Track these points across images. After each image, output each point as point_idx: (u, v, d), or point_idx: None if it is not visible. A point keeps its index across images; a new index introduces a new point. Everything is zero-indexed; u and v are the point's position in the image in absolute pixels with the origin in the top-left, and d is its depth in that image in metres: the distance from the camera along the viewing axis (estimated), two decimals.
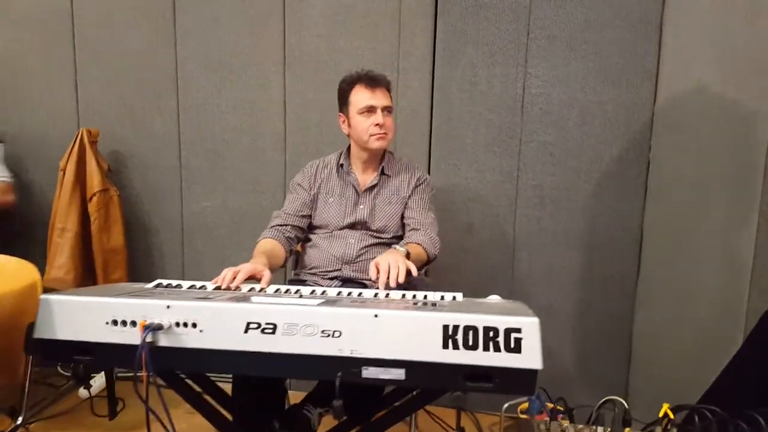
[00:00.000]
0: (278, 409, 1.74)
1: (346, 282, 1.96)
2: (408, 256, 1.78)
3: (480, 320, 1.22)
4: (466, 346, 1.22)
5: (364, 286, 1.89)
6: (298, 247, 2.13)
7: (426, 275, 2.18)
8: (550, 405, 2.33)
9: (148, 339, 1.31)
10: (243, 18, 2.53)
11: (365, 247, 1.99)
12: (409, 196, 2.04)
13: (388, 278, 1.59)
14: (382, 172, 2.05)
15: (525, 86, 2.40)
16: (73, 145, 2.51)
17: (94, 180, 2.50)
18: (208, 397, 1.64)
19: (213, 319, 1.31)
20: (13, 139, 2.74)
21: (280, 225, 2.02)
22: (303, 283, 2.00)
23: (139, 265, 2.72)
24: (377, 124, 1.93)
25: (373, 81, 1.95)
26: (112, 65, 2.66)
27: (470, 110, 2.44)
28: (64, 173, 2.51)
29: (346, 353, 1.26)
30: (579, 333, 2.52)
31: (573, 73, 2.36)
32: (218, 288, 1.61)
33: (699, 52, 2.24)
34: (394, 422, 1.54)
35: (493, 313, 1.23)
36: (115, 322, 1.34)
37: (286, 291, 1.60)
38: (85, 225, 2.52)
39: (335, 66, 2.45)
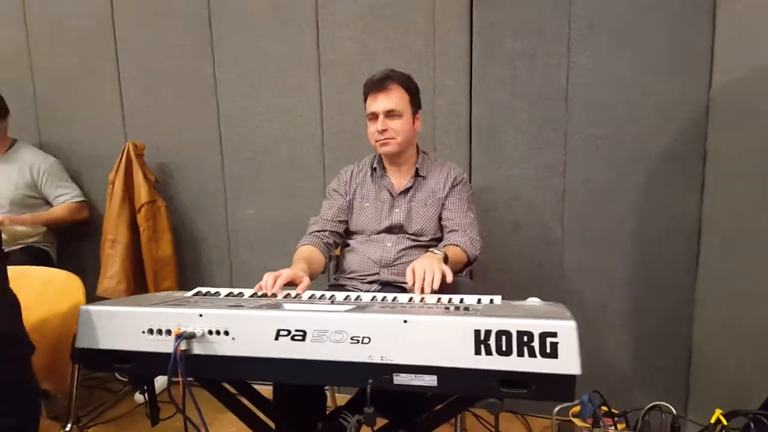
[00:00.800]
0: (318, 414, 1.73)
1: (385, 286, 1.93)
2: (446, 259, 1.73)
3: (513, 324, 1.16)
4: (500, 352, 1.17)
5: (403, 290, 1.85)
6: (338, 252, 2.12)
7: (471, 277, 2.12)
8: (604, 408, 2.23)
9: (182, 347, 1.33)
10: (276, 24, 2.55)
11: (403, 249, 1.95)
12: (446, 197, 1.99)
13: (423, 283, 1.56)
14: (417, 174, 2.01)
15: (569, 78, 2.31)
16: (121, 159, 2.59)
17: (142, 192, 2.57)
18: (248, 403, 1.65)
19: (244, 327, 1.31)
20: (67, 155, 2.86)
21: (318, 231, 2.01)
22: (342, 287, 1.99)
23: (189, 274, 2.78)
24: (378, 131, 1.91)
25: (374, 86, 1.92)
26: (153, 78, 2.73)
27: (511, 105, 2.37)
28: (113, 186, 2.59)
29: (376, 360, 1.23)
30: (634, 333, 2.40)
31: (618, 61, 2.25)
32: (255, 294, 1.62)
33: (758, 31, 2.09)
34: (434, 426, 1.51)
35: (527, 317, 1.17)
36: (151, 331, 1.36)
37: (320, 297, 1.58)
38: (135, 236, 2.60)
39: (370, 68, 2.41)
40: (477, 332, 1.18)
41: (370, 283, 1.95)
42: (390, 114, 1.92)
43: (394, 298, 1.57)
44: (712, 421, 1.30)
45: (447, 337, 1.20)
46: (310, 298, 1.59)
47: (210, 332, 1.33)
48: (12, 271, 1.50)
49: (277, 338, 1.29)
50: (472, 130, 2.42)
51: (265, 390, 1.66)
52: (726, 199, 2.20)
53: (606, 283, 2.39)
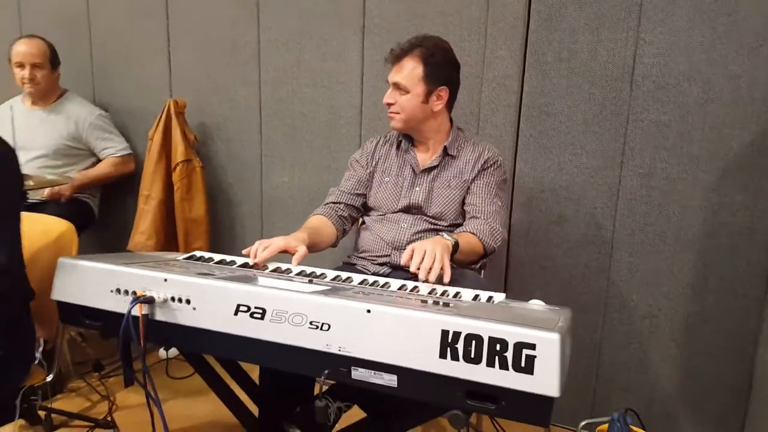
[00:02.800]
0: (303, 399, 1.62)
1: (396, 269, 1.78)
2: (456, 246, 1.55)
3: (486, 329, 0.99)
4: (467, 359, 1.00)
5: (416, 276, 1.70)
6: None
7: (482, 268, 1.92)
8: (638, 431, 1.98)
9: (144, 311, 1.26)
10: None
11: (418, 232, 1.79)
12: (473, 180, 1.80)
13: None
14: (446, 153, 1.83)
15: (636, 55, 2.02)
16: (161, 116, 2.57)
17: (179, 150, 2.55)
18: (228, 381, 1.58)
19: (206, 297, 1.22)
20: (117, 109, 2.89)
21: (334, 203, 1.89)
22: (352, 266, 1.86)
23: (221, 237, 2.75)
24: (385, 102, 1.78)
25: (391, 54, 1.78)
26: (200, 37, 2.68)
27: (568, 83, 2.12)
28: (152, 142, 2.58)
29: (333, 349, 1.10)
30: (686, 352, 2.11)
31: (697, 39, 1.95)
32: (246, 264, 1.53)
33: None
34: (406, 428, 1.37)
35: (505, 322, 0.99)
36: (119, 291, 1.30)
37: (303, 272, 1.46)
38: (169, 194, 2.59)
39: (416, 33, 2.22)
40: (444, 333, 1.02)
41: (381, 265, 1.81)
42: (397, 87, 1.77)
43: (385, 284, 1.43)
44: None
45: (411, 334, 1.05)
46: (298, 273, 1.48)
47: (173, 299, 1.25)
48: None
49: (236, 313, 1.19)
50: (521, 109, 2.19)
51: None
52: None
53: (658, 292, 2.12)
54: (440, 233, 1.61)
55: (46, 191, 2.49)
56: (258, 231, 2.69)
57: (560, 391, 0.95)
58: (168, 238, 2.59)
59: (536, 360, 0.95)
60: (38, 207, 2.44)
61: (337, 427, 1.50)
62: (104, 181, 2.73)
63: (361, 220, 1.97)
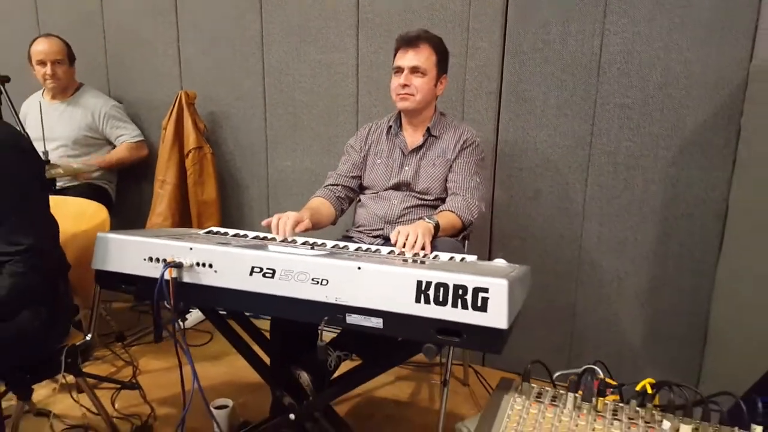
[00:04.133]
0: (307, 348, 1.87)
1: (388, 241, 2.02)
2: (437, 227, 1.79)
3: (451, 278, 1.24)
4: (437, 302, 1.25)
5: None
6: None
7: (467, 239, 2.17)
8: (608, 380, 2.23)
9: (174, 275, 1.50)
10: None
11: (408, 207, 2.03)
12: (455, 159, 2.04)
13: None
14: (429, 133, 2.07)
15: (602, 44, 2.25)
16: (173, 106, 2.81)
17: (190, 138, 2.79)
18: (243, 335, 1.83)
19: (225, 262, 1.46)
20: (130, 101, 3.13)
21: (332, 185, 2.13)
22: (350, 239, 2.10)
23: (231, 217, 3.00)
24: (400, 84, 1.96)
25: (404, 41, 1.97)
26: (208, 31, 2.91)
27: (542, 71, 2.34)
28: (165, 131, 2.82)
29: (331, 300, 1.35)
30: (649, 310, 2.36)
31: (657, 29, 2.16)
32: (257, 237, 1.77)
33: None
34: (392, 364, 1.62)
35: (466, 273, 1.24)
36: (150, 259, 1.54)
37: (304, 242, 1.71)
38: (183, 178, 2.83)
39: (406, 27, 2.45)
40: (419, 283, 1.26)
41: (375, 237, 2.06)
42: (415, 71, 1.98)
43: (377, 250, 1.67)
44: (638, 389, 1.30)
45: (393, 285, 1.29)
46: (302, 243, 1.72)
47: (198, 264, 1.49)
48: (53, 200, 1.73)
49: (251, 274, 1.43)
50: (501, 95, 2.42)
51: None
52: (757, 178, 2.08)
53: (624, 258, 2.36)
54: (422, 217, 1.84)
55: (67, 177, 2.73)
56: (265, 211, 2.94)
57: (508, 324, 1.19)
58: (182, 219, 2.84)
59: (489, 300, 1.20)
60: (62, 192, 2.68)
61: (338, 373, 1.75)
62: (121, 164, 2.97)
63: (358, 198, 2.21)
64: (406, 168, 2.06)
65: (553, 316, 2.50)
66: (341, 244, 1.72)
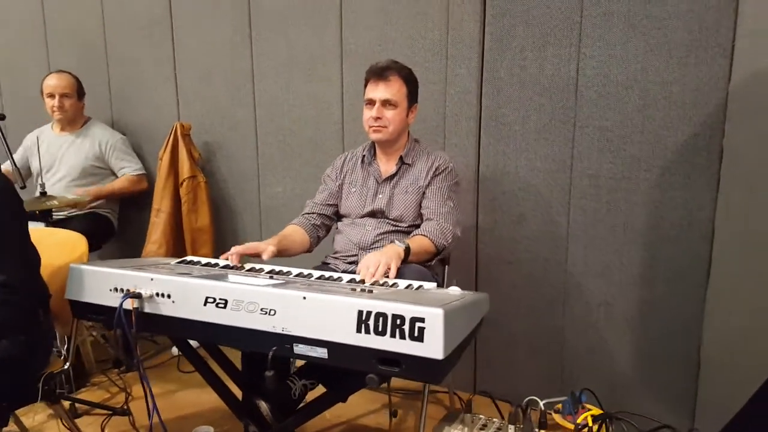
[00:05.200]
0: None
1: None
2: (408, 250, 1.81)
3: (389, 308, 1.25)
4: (377, 332, 1.26)
5: None
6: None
7: (446, 263, 2.17)
8: (593, 409, 2.19)
9: (135, 305, 1.54)
10: (307, 16, 2.69)
11: (381, 234, 2.05)
12: (428, 186, 2.05)
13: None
14: (402, 162, 2.09)
15: (579, 68, 2.24)
16: (169, 137, 2.90)
17: (185, 167, 2.87)
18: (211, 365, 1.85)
19: (182, 292, 1.51)
20: (132, 132, 3.24)
21: (308, 213, 2.17)
22: (327, 266, 2.13)
23: (225, 243, 3.03)
24: (373, 117, 1.99)
25: (375, 73, 2.00)
26: (203, 65, 3.00)
27: (520, 95, 2.35)
28: (161, 161, 2.90)
29: (278, 330, 1.37)
30: (640, 335, 2.31)
31: (632, 51, 2.15)
32: (227, 266, 1.81)
33: None
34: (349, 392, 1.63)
35: (404, 302, 1.25)
36: (115, 289, 1.59)
37: (270, 271, 1.74)
38: (177, 207, 2.91)
39: (386, 57, 2.46)
40: (360, 312, 1.28)
41: (350, 263, 2.07)
42: (386, 103, 2.01)
43: (338, 278, 1.69)
44: (579, 421, 1.28)
45: (335, 315, 1.31)
46: (268, 272, 1.75)
47: (157, 294, 1.53)
48: (40, 231, 1.80)
49: (205, 304, 1.46)
50: (481, 120, 2.43)
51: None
52: (742, 199, 2.05)
53: (611, 282, 2.32)
54: (393, 241, 1.86)
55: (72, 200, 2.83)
56: (257, 236, 2.98)
57: (444, 355, 1.19)
58: (177, 247, 2.91)
59: (425, 330, 1.20)
60: (63, 223, 2.77)
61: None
62: (119, 194, 3.06)
63: (335, 226, 2.23)
64: (380, 196, 2.09)
65: (542, 341, 2.47)
66: (305, 271, 1.75)
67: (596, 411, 1.54)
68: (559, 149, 2.32)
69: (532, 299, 2.46)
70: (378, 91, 2.00)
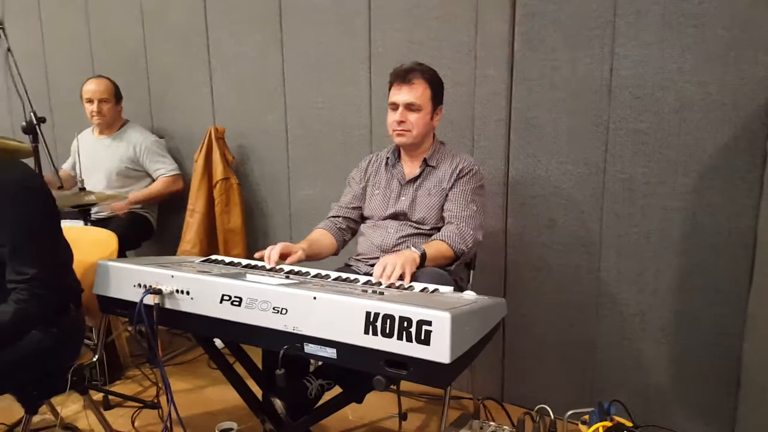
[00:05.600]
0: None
1: None
2: (423, 256, 1.78)
3: (397, 310, 1.24)
4: (384, 334, 1.25)
5: None
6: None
7: (471, 268, 2.14)
8: (623, 421, 2.11)
9: (156, 300, 1.58)
10: (336, 20, 2.71)
11: (404, 236, 2.03)
12: (451, 188, 2.02)
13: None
14: (426, 164, 2.07)
15: (612, 68, 2.18)
16: (204, 140, 2.96)
17: (218, 170, 2.92)
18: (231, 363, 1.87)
19: (200, 289, 1.53)
20: (171, 135, 3.33)
21: (334, 216, 2.17)
22: (349, 268, 2.12)
23: (257, 244, 3.09)
24: (396, 121, 1.98)
25: (398, 77, 1.99)
26: (236, 70, 3.06)
27: (551, 97, 2.29)
28: (196, 164, 2.97)
29: (289, 329, 1.38)
30: (675, 347, 2.22)
31: (668, 50, 2.07)
32: (249, 265, 1.83)
33: None
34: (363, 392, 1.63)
35: (412, 305, 1.23)
36: (138, 285, 1.63)
37: (289, 271, 1.74)
38: (211, 208, 2.97)
39: (414, 59, 2.46)
40: (368, 314, 1.27)
41: (372, 265, 2.06)
42: (410, 107, 2.00)
43: (354, 279, 1.68)
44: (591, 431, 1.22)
45: (344, 315, 1.30)
46: (287, 271, 1.76)
47: (177, 291, 1.56)
48: (72, 230, 1.87)
49: (221, 301, 1.48)
50: (511, 122, 2.39)
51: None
52: None
53: (645, 290, 2.23)
54: (409, 246, 1.84)
55: (107, 209, 2.93)
56: (287, 238, 3.00)
57: (451, 359, 1.16)
58: (210, 247, 2.96)
59: (432, 334, 1.18)
60: (103, 222, 2.87)
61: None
62: (156, 197, 3.14)
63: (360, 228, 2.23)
64: (403, 198, 2.07)
65: (572, 350, 2.40)
66: (323, 272, 1.75)
67: (606, 423, 1.48)
68: (591, 152, 2.25)
69: (563, 307, 2.39)
70: (401, 95, 1.99)
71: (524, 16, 2.29)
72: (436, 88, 2.04)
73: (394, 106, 2.02)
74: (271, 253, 1.82)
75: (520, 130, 2.37)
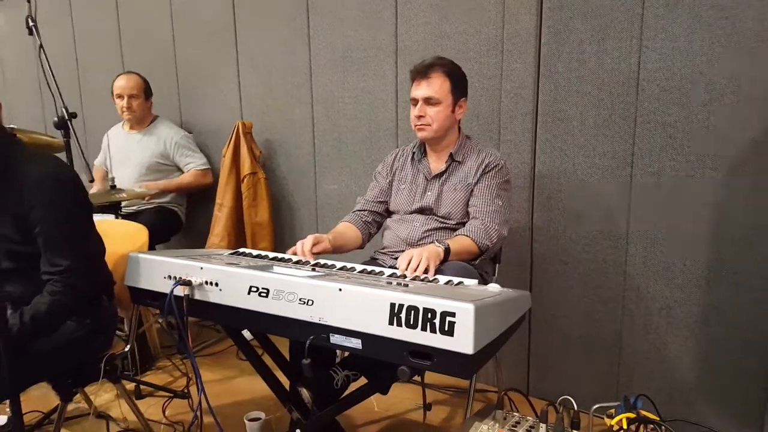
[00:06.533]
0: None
1: None
2: (447, 251, 1.80)
3: (421, 301, 1.25)
4: (408, 325, 1.26)
5: None
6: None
7: (496, 262, 2.14)
8: (649, 415, 2.10)
9: (186, 292, 1.62)
10: (362, 14, 2.72)
11: (429, 230, 2.04)
12: (476, 183, 2.02)
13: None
14: (452, 159, 2.07)
15: (640, 61, 2.15)
16: (232, 135, 3.01)
17: (245, 164, 2.97)
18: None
19: (228, 281, 1.56)
20: (199, 130, 3.39)
21: (359, 210, 2.20)
22: (375, 261, 2.14)
23: (283, 237, 3.13)
24: (416, 116, 2.01)
25: (418, 72, 2.01)
26: (263, 66, 3.10)
27: (578, 90, 2.28)
28: (224, 158, 3.02)
29: (315, 320, 1.40)
30: (703, 341, 2.19)
31: (697, 43, 2.05)
32: (277, 258, 1.87)
33: None
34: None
35: (436, 296, 1.24)
36: (168, 277, 1.67)
37: (315, 263, 1.77)
38: (239, 202, 3.01)
39: (441, 53, 2.46)
40: (392, 305, 1.28)
41: (397, 258, 2.08)
42: (428, 101, 2.01)
43: (380, 272, 1.71)
44: (613, 423, 1.22)
45: (369, 307, 1.32)
46: (313, 264, 1.79)
47: (206, 282, 1.60)
48: (103, 223, 1.92)
49: (249, 293, 1.51)
50: (537, 116, 2.38)
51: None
52: None
53: (673, 284, 2.21)
54: (433, 242, 1.86)
55: (141, 187, 3.00)
56: (314, 231, 2.97)
57: (474, 350, 1.18)
58: (238, 240, 3.01)
59: (456, 325, 1.19)
60: (133, 216, 2.94)
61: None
62: (185, 189, 3.20)
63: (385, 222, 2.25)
64: (429, 193, 2.08)
65: (598, 344, 2.39)
66: (349, 265, 1.77)
67: (629, 414, 1.48)
68: (619, 146, 2.24)
69: (589, 301, 2.38)
70: (420, 90, 2.01)
71: (551, 9, 2.28)
72: (456, 81, 2.04)
73: (414, 102, 2.04)
74: (304, 246, 1.85)
75: (547, 123, 2.36)
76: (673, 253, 2.20)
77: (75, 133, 2.42)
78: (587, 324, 2.40)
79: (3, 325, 1.40)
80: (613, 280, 2.33)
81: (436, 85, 2.00)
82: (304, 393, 1.68)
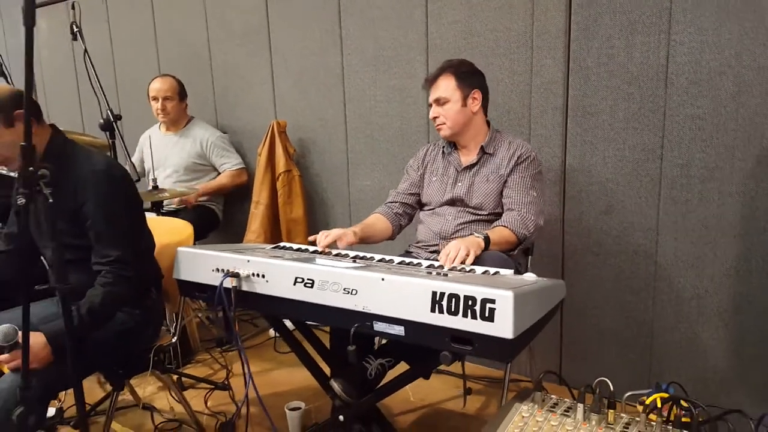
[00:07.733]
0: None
1: None
2: (487, 240, 1.86)
3: (462, 289, 1.32)
4: (450, 312, 1.33)
5: None
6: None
7: (529, 254, 2.20)
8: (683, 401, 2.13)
9: (234, 283, 1.71)
10: (393, 14, 2.79)
11: (463, 223, 2.11)
12: (509, 175, 2.08)
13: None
14: (483, 151, 2.13)
15: (669, 55, 2.18)
16: (267, 134, 3.10)
17: (280, 162, 3.06)
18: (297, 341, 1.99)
19: (275, 273, 1.65)
20: (234, 130, 3.50)
21: (391, 202, 2.27)
22: (410, 255, 2.21)
23: (318, 233, 3.21)
24: (432, 118, 2.13)
25: (428, 81, 2.13)
26: (297, 67, 3.18)
27: (608, 84, 2.32)
28: (260, 157, 3.11)
29: (359, 308, 1.48)
30: (733, 330, 2.22)
31: (726, 36, 2.07)
32: (315, 251, 1.95)
33: None
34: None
35: (477, 284, 1.31)
36: (217, 270, 1.77)
37: (354, 256, 1.85)
38: (274, 199, 3.11)
39: (472, 50, 2.56)
40: (434, 293, 1.36)
41: (432, 252, 2.15)
42: (439, 102, 2.12)
43: (418, 263, 1.78)
44: (647, 402, 1.27)
45: (411, 295, 1.40)
46: (353, 257, 1.87)
47: (254, 274, 1.69)
48: (149, 220, 2.02)
49: (294, 284, 1.60)
50: (567, 110, 2.42)
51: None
52: None
53: (703, 274, 2.24)
54: (472, 232, 1.92)
55: (176, 201, 3.11)
56: (347, 227, 3.12)
57: (514, 335, 1.24)
58: (274, 236, 3.11)
59: (496, 311, 1.26)
60: (174, 213, 3.05)
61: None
62: (222, 190, 3.31)
63: (418, 215, 2.32)
64: (459, 184, 2.15)
65: (630, 334, 2.43)
66: (387, 257, 1.85)
67: (663, 394, 1.53)
68: (648, 138, 2.27)
69: (620, 291, 2.42)
70: (431, 95, 2.14)
71: (580, 5, 2.32)
72: (461, 75, 2.11)
73: (430, 105, 2.15)
74: (323, 238, 1.94)
75: (577, 117, 2.40)
76: (703, 243, 2.23)
77: (121, 135, 2.53)
78: (619, 314, 2.44)
79: (68, 319, 1.48)
80: (644, 271, 2.36)
81: (442, 86, 2.10)
82: (335, 385, 1.74)
